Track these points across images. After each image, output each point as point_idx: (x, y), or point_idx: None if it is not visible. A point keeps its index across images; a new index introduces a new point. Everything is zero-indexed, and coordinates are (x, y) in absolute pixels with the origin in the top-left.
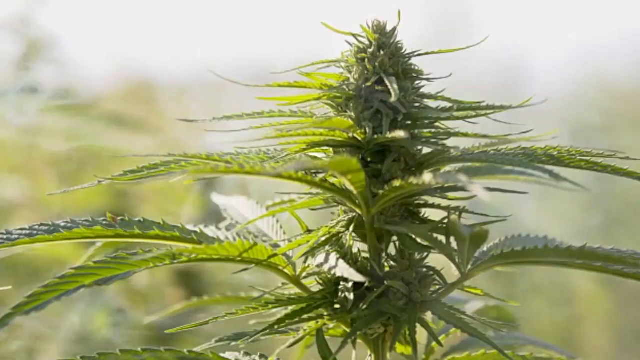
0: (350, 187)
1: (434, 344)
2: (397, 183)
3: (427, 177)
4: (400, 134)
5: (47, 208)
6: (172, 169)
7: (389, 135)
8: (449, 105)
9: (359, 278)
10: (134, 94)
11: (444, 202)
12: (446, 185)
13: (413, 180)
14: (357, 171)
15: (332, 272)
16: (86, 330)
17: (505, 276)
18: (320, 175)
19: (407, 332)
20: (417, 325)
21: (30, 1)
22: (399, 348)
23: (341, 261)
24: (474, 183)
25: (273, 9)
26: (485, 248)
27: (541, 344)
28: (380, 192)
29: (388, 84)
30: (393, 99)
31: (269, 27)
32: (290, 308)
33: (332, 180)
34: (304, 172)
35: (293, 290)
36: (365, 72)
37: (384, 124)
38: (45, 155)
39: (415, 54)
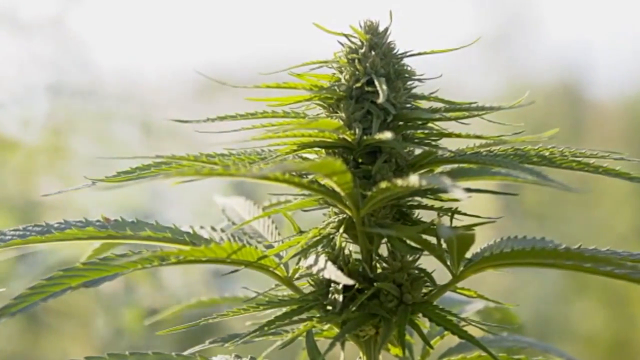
0: (338, 189)
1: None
2: (383, 184)
3: (413, 178)
4: (387, 135)
5: (79, 209)
6: (163, 170)
7: (377, 136)
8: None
9: (346, 280)
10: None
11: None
12: (437, 187)
13: (398, 181)
14: (343, 172)
15: (321, 274)
16: (119, 330)
17: (555, 276)
18: (310, 177)
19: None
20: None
21: (63, 4)
22: (393, 350)
23: (329, 263)
24: (456, 185)
25: (276, 10)
26: (479, 249)
27: (541, 346)
28: (369, 193)
29: (377, 84)
30: (381, 99)
31: (268, 29)
32: (283, 309)
33: (323, 181)
34: (291, 174)
35: (288, 291)
36: (356, 72)
37: (374, 124)
38: (77, 156)
39: (408, 54)
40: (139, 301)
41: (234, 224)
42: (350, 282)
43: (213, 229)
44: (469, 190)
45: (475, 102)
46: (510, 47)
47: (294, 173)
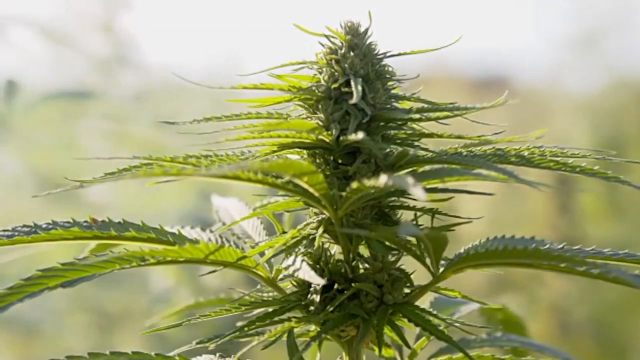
0: (311, 190)
1: (416, 346)
2: (355, 185)
3: (381, 178)
4: (360, 135)
5: (130, 210)
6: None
7: (351, 137)
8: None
9: (319, 280)
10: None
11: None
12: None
13: (366, 182)
14: (313, 173)
15: (296, 274)
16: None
17: None
18: (287, 178)
19: (389, 334)
20: (403, 326)
21: (114, 6)
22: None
23: (304, 263)
24: (416, 186)
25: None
26: (462, 249)
27: (536, 345)
28: (342, 194)
29: (352, 85)
30: (354, 100)
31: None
32: (270, 310)
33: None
34: (265, 174)
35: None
36: (335, 73)
37: (351, 125)
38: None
39: (388, 54)
40: (181, 301)
41: (224, 224)
42: (321, 281)
43: (202, 229)
44: (454, 191)
45: (454, 103)
46: (608, 43)
47: (273, 174)
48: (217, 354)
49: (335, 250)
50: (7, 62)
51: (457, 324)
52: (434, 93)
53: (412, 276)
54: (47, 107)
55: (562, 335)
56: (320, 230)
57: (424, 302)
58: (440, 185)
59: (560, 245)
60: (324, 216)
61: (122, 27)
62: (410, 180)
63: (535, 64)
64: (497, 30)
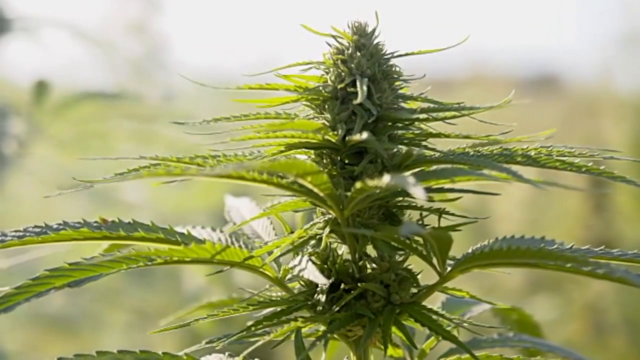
0: (316, 190)
1: (425, 345)
2: (358, 185)
3: (385, 179)
4: (364, 135)
5: (161, 209)
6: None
7: (355, 137)
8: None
9: (323, 280)
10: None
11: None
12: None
13: (369, 182)
14: (316, 173)
15: (301, 273)
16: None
17: None
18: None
19: (397, 334)
20: (413, 327)
21: (147, 7)
22: (388, 350)
23: (309, 263)
24: (416, 185)
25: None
26: (470, 249)
27: (547, 346)
28: (348, 194)
29: (358, 85)
30: (359, 100)
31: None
32: (278, 310)
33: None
34: (270, 174)
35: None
36: (342, 73)
37: (356, 125)
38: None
39: (395, 54)
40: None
41: (234, 224)
42: (325, 281)
43: (213, 229)
44: (461, 190)
45: (462, 102)
46: None
47: (279, 174)
48: (227, 353)
49: (343, 250)
50: (40, 63)
51: (465, 324)
52: (481, 92)
53: (428, 277)
54: (79, 108)
55: (597, 335)
56: (327, 230)
57: (436, 302)
58: (457, 186)
59: (569, 246)
60: (330, 216)
61: (156, 28)
62: (410, 180)
63: (584, 62)
64: (543, 28)
